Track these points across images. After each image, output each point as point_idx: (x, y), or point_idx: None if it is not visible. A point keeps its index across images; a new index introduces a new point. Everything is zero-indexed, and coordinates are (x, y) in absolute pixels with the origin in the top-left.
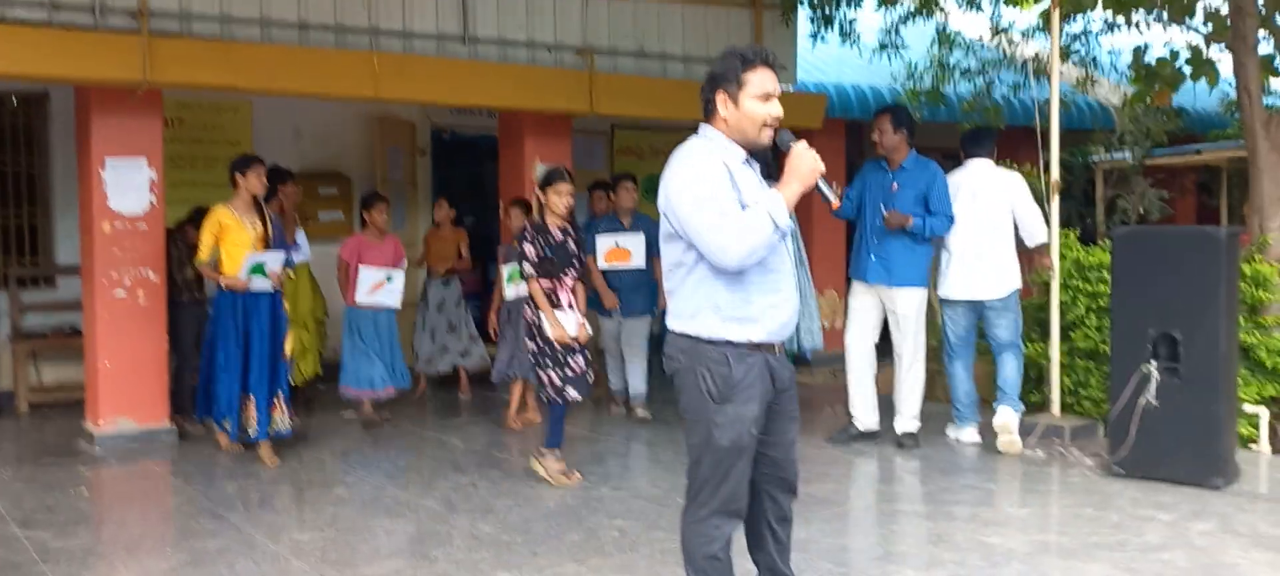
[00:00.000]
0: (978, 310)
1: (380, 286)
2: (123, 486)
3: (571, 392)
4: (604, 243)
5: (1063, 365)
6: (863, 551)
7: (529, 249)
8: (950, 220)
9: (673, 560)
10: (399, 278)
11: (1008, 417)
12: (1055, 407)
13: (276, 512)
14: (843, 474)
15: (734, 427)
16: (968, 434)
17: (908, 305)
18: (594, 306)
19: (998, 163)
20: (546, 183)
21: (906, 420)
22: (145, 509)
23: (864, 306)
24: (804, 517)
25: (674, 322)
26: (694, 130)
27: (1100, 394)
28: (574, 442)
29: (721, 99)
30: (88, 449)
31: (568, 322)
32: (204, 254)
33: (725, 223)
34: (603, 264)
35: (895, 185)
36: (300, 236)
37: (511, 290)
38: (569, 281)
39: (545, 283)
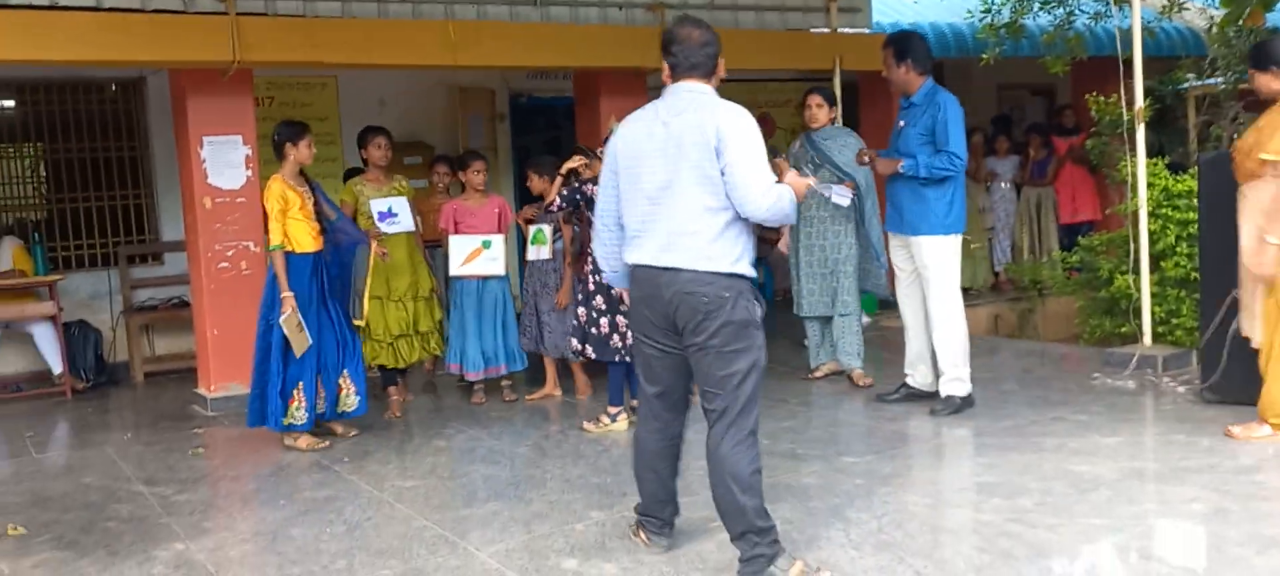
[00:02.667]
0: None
1: (475, 254)
2: (236, 445)
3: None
4: None
5: (1153, 295)
6: (950, 482)
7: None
8: (955, 157)
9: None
10: (499, 244)
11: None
12: (1146, 337)
13: (378, 463)
14: (928, 410)
15: (765, 350)
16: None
17: (923, 254)
18: None
19: (1085, 94)
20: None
21: (945, 381)
22: (257, 464)
23: (897, 258)
24: (889, 454)
25: (716, 265)
26: (761, 80)
27: (1192, 322)
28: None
29: (722, 63)
30: (201, 412)
31: None
32: (279, 236)
33: (771, 181)
34: None
35: (902, 122)
36: (401, 203)
37: (533, 252)
38: None
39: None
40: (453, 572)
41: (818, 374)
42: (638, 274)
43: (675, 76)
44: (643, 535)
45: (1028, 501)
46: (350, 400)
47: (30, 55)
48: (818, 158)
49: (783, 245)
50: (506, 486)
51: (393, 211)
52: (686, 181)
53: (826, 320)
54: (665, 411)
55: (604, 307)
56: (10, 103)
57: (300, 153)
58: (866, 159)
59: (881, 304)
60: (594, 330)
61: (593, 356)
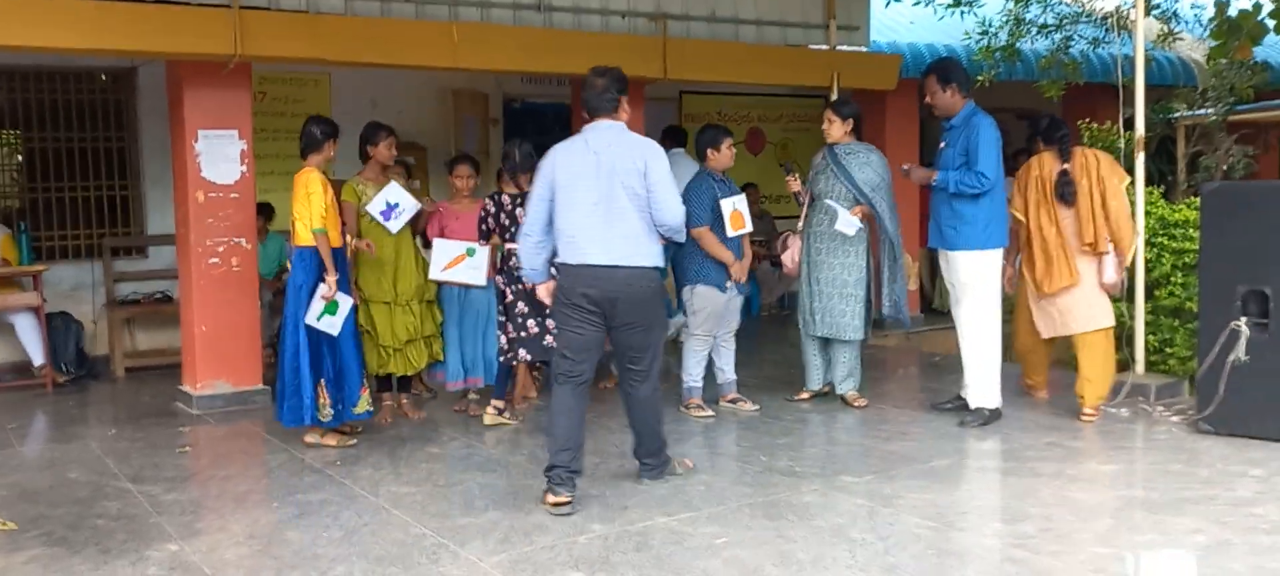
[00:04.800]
0: None
1: (458, 261)
2: (223, 444)
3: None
4: (727, 207)
5: (1147, 323)
6: (950, 506)
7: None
8: (980, 176)
9: (761, 514)
10: (482, 253)
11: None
12: (1140, 366)
13: (372, 468)
14: (924, 432)
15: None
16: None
17: (960, 268)
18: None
19: (1076, 120)
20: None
21: (974, 393)
22: (247, 465)
23: (944, 274)
24: (888, 475)
25: (648, 260)
26: (757, 94)
27: (1186, 352)
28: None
29: (624, 101)
30: (186, 410)
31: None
32: (320, 221)
33: (678, 201)
34: (729, 232)
35: (943, 144)
36: (398, 190)
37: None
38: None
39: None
40: None
41: (805, 395)
42: (579, 271)
43: (591, 116)
44: (550, 497)
45: (1030, 527)
46: (366, 402)
47: (30, 42)
48: (837, 172)
49: (789, 260)
50: (505, 496)
51: (393, 203)
52: (621, 199)
53: (827, 341)
54: (587, 375)
55: (527, 311)
56: None
57: (330, 152)
58: (905, 170)
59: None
60: (525, 334)
61: (527, 358)
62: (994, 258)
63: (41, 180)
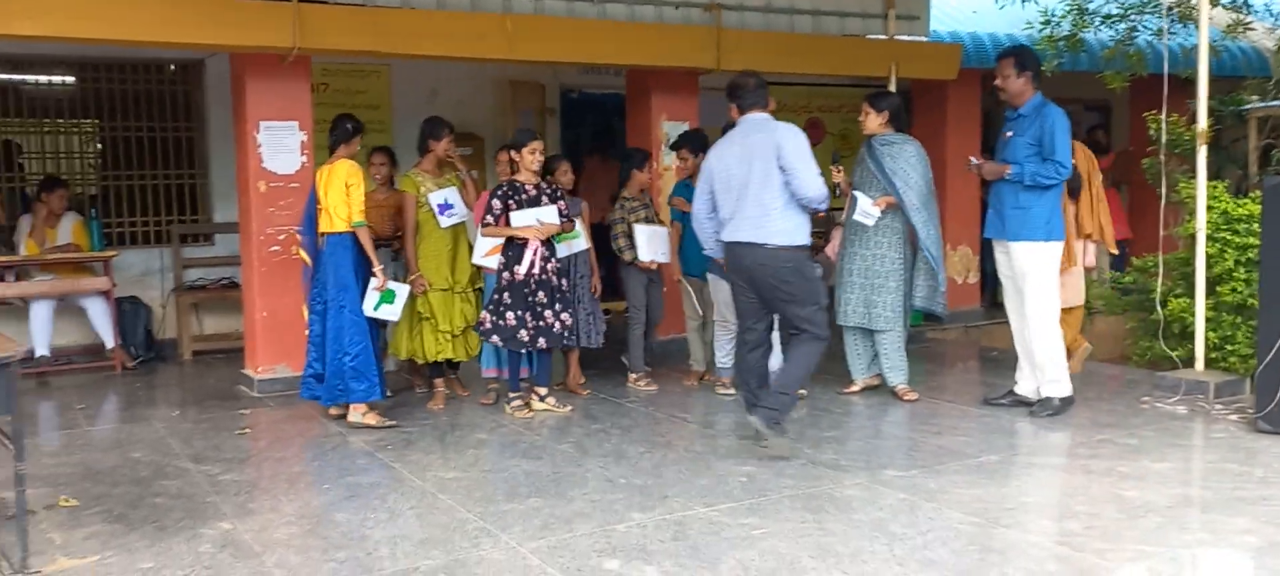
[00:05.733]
0: None
1: (498, 249)
2: (281, 427)
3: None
4: None
5: (1208, 320)
6: (995, 501)
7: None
8: (1061, 166)
9: (801, 506)
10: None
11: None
12: (1200, 363)
13: (422, 453)
14: (974, 427)
15: (820, 285)
16: None
17: (1021, 260)
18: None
19: (1142, 111)
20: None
21: (1044, 383)
22: (302, 447)
23: (999, 266)
24: (934, 470)
25: (782, 239)
26: (816, 84)
27: (1247, 349)
28: (692, 395)
29: (771, 99)
30: (248, 393)
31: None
32: (361, 215)
33: (816, 173)
34: None
35: (1009, 132)
36: (455, 194)
37: (567, 247)
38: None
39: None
40: (495, 567)
41: (854, 388)
42: (729, 248)
43: (741, 112)
44: (754, 418)
45: (1076, 525)
46: None
47: (99, 34)
48: (871, 163)
49: (831, 250)
50: (548, 482)
51: (450, 204)
52: (756, 182)
53: (867, 332)
54: (756, 333)
55: (510, 303)
56: (70, 79)
57: (356, 146)
58: (974, 164)
59: (926, 317)
60: (501, 322)
61: (499, 343)
62: (1054, 249)
63: (113, 168)
